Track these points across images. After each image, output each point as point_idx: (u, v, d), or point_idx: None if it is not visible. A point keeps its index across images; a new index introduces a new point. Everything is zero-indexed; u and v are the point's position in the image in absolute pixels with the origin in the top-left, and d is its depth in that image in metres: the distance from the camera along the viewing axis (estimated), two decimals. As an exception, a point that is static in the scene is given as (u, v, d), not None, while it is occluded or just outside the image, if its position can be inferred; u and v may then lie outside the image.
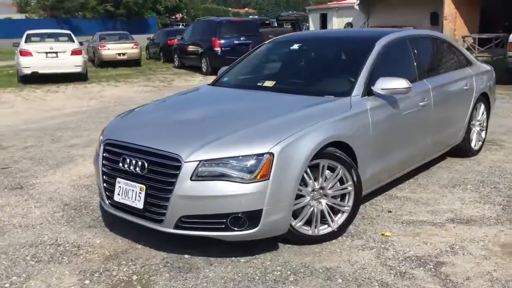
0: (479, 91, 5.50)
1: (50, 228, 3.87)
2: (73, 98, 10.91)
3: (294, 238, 3.49)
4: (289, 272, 3.17)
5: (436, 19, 24.73)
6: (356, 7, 26.99)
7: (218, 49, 15.06)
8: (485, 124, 5.87)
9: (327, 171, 3.52)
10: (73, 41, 14.62)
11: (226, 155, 3.13)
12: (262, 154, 3.13)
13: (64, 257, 3.39)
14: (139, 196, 3.28)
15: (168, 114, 3.96)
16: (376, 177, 4.05)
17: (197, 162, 3.11)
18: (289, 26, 26.18)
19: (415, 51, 4.70)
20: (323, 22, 30.94)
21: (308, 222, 3.51)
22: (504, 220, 3.92)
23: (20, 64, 13.40)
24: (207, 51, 15.58)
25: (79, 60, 13.78)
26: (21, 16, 70.31)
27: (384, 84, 3.93)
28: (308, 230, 3.51)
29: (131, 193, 3.33)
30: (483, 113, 5.78)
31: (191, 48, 16.93)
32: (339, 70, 4.36)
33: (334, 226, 3.58)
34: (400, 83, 3.92)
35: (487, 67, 6.07)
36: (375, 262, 3.30)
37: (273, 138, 3.21)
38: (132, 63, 19.52)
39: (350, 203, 3.63)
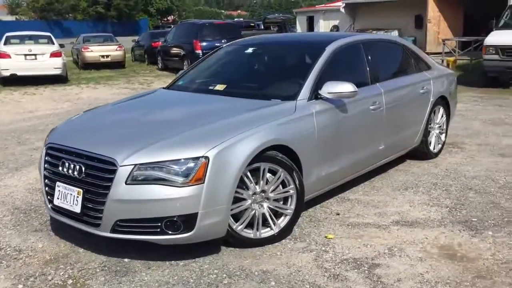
0: (436, 94, 5.56)
1: (-5, 232, 3.88)
2: (49, 101, 10.89)
3: (235, 241, 3.52)
4: (224, 275, 3.20)
5: (420, 22, 24.93)
6: (342, 10, 27.11)
7: (199, 51, 15.07)
8: (444, 127, 5.93)
9: (269, 175, 3.55)
10: (53, 44, 14.59)
11: (162, 159, 3.16)
12: (197, 158, 3.16)
13: (3, 261, 3.40)
14: (77, 200, 3.29)
15: (114, 118, 3.98)
16: (324, 180, 4.09)
17: (132, 166, 3.13)
18: (275, 29, 26.24)
19: (369, 55, 4.75)
20: (310, 25, 31.03)
21: (251, 225, 3.55)
22: (447, 223, 3.97)
23: (-2, 66, 13.35)
24: (188, 53, 15.60)
25: (58, 62, 13.74)
26: (12, 18, 69.91)
27: (331, 88, 3.97)
28: (250, 233, 3.54)
29: (69, 197, 3.34)
30: (442, 116, 5.84)
31: (174, 50, 16.94)
32: (289, 74, 4.39)
33: (276, 229, 3.61)
34: (346, 87, 3.96)
35: (447, 71, 6.15)
36: (312, 264, 3.33)
37: (209, 142, 3.24)
38: (116, 65, 19.47)
39: (293, 206, 3.67)
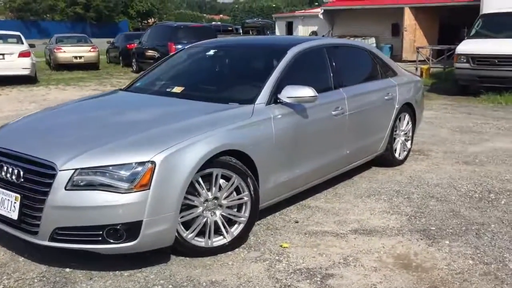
0: (402, 101, 5.50)
1: None
2: (14, 101, 10.57)
3: (185, 250, 3.37)
4: (170, 286, 3.05)
5: (397, 30, 25.18)
6: (321, 16, 27.24)
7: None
8: (410, 134, 5.88)
9: (223, 181, 3.42)
10: (22, 43, 14.24)
11: (105, 163, 3.00)
12: (143, 163, 3.00)
13: None
14: (14, 206, 3.11)
15: (61, 120, 3.80)
16: (282, 186, 3.97)
17: (73, 171, 2.96)
18: (254, 34, 26.22)
19: (332, 60, 4.66)
20: (289, 30, 31.09)
21: (203, 233, 3.40)
22: (405, 231, 3.89)
23: (-36, 65, 12.97)
24: (163, 55, 15.37)
25: (27, 62, 13.41)
26: (-13, 17, 68.53)
27: (290, 92, 3.86)
28: (201, 242, 3.39)
29: (6, 203, 3.16)
30: (408, 123, 5.79)
31: (148, 52, 16.71)
32: (249, 77, 4.28)
33: (229, 237, 3.48)
34: (305, 92, 3.86)
35: (414, 78, 6.11)
36: (263, 274, 3.21)
37: (157, 146, 3.09)
38: (89, 66, 19.17)
39: (247, 214, 3.54)
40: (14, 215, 3.11)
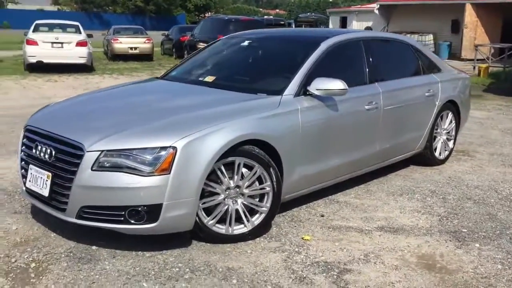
0: (444, 98, 5.31)
1: (-25, 212, 3.90)
2: (68, 88, 11.04)
3: (206, 236, 3.42)
4: (187, 270, 3.11)
5: (457, 27, 24.24)
6: (376, 11, 26.63)
7: (224, 46, 15.03)
8: (453, 133, 5.67)
9: (246, 170, 3.44)
10: (80, 33, 14.82)
11: (129, 146, 3.09)
12: (165, 148, 3.07)
13: (-27, 241, 3.41)
14: (46, 184, 3.27)
15: (95, 104, 3.93)
16: (308, 179, 3.95)
17: (99, 152, 3.08)
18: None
19: (369, 53, 4.57)
20: (343, 25, 30.61)
21: (224, 221, 3.44)
22: (434, 232, 3.77)
23: (26, 53, 13.65)
24: (214, 48, 15.57)
25: (83, 51, 13.95)
26: (54, 8, 71.74)
27: (319, 85, 3.83)
28: (222, 229, 3.44)
29: (39, 180, 3.32)
30: (451, 122, 5.58)
31: (199, 45, 16.92)
32: (280, 69, 4.25)
33: (250, 226, 3.50)
34: (335, 84, 3.81)
35: (461, 75, 5.87)
36: (280, 265, 3.21)
37: (179, 132, 3.15)
38: (144, 57, 19.68)
39: (268, 204, 3.54)
40: (46, 192, 3.27)
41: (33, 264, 3.12)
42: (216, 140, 3.21)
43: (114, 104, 3.87)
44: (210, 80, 4.25)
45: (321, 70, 4.04)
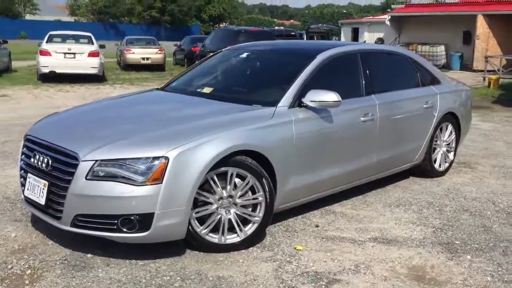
0: (444, 110, 5.33)
1: (-23, 219, 4.01)
2: (79, 98, 11.23)
3: (198, 245, 3.48)
4: (178, 278, 3.17)
5: (468, 38, 24.16)
6: (387, 22, 26.69)
7: (233, 57, 15.18)
8: (453, 145, 5.67)
9: (238, 180, 3.50)
10: (93, 44, 15.09)
11: (122, 156, 3.18)
12: (157, 158, 3.15)
13: (-28, 248, 3.50)
14: (42, 192, 3.36)
15: (93, 115, 4.04)
16: (303, 190, 3.99)
17: (93, 162, 3.16)
18: (319, 39, 26.07)
19: (366, 65, 4.62)
20: (355, 36, 30.70)
21: (217, 230, 3.50)
22: (427, 243, 3.79)
23: (39, 63, 13.95)
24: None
25: (95, 62, 14.20)
26: (71, 19, 72.97)
27: (313, 97, 3.89)
28: (214, 238, 3.49)
29: (36, 189, 3.42)
30: (451, 133, 5.59)
31: (210, 55, 17.13)
32: (276, 80, 4.32)
33: (243, 236, 3.55)
34: (329, 96, 3.87)
35: (461, 87, 5.90)
36: (270, 274, 3.25)
37: (172, 143, 3.23)
38: (156, 67, 19.95)
39: (261, 214, 3.59)
40: (42, 200, 3.36)
41: (29, 271, 3.20)
42: (208, 151, 3.28)
43: (111, 115, 3.97)
44: (208, 92, 4.33)
45: (316, 82, 4.10)
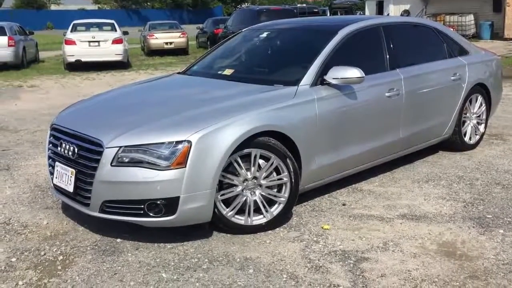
0: (473, 82, 5.17)
1: (10, 208, 4.11)
2: (105, 86, 11.35)
3: (225, 227, 3.50)
4: (206, 260, 3.19)
5: (499, 5, 23.29)
6: (413, -7, 25.92)
7: (256, 37, 15.06)
8: (484, 117, 5.50)
9: (262, 161, 3.48)
10: (116, 31, 15.19)
11: (146, 141, 3.19)
12: (180, 142, 3.16)
13: (7, 236, 3.60)
14: (70, 180, 3.42)
15: (117, 101, 4.07)
16: (328, 168, 3.95)
17: (118, 148, 3.19)
18: (342, 14, 25.60)
19: (389, 39, 4.51)
20: (380, 10, 29.98)
21: (244, 212, 3.51)
22: (458, 218, 3.71)
23: (65, 53, 14.17)
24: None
25: (119, 48, 14.32)
26: (95, 7, 73.65)
27: (336, 73, 3.82)
28: (241, 220, 3.50)
29: (64, 177, 3.48)
30: (481, 105, 5.42)
31: (231, 36, 17.04)
32: (297, 59, 4.25)
33: (269, 216, 3.55)
34: (351, 73, 3.79)
35: (490, 57, 5.69)
36: (297, 254, 3.24)
37: (193, 126, 3.22)
38: (179, 51, 19.98)
39: (286, 194, 3.58)
40: (70, 188, 3.42)
41: (61, 257, 3.28)
42: (230, 133, 3.27)
43: (133, 101, 3.99)
44: (229, 74, 4.30)
45: (339, 58, 4.02)
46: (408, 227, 3.60)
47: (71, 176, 3.42)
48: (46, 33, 39.88)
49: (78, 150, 3.39)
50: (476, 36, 22.91)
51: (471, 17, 23.69)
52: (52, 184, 3.72)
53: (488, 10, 23.87)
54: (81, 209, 3.43)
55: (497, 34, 22.65)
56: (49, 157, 3.73)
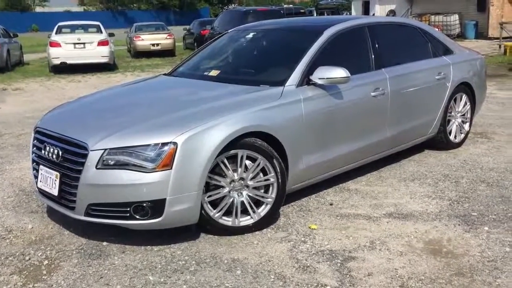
0: (457, 81, 5.21)
1: (-6, 212, 4.06)
2: (91, 88, 11.25)
3: (212, 228, 3.48)
4: (193, 262, 3.18)
5: (483, 5, 23.54)
6: (399, -7, 26.11)
7: (242, 38, 15.04)
8: (469, 115, 5.55)
9: (249, 162, 3.48)
10: (101, 32, 15.09)
11: (131, 144, 3.17)
12: (166, 144, 3.14)
13: (-9, 240, 3.55)
14: (55, 183, 3.38)
15: (102, 103, 4.04)
16: (315, 168, 3.96)
17: (103, 151, 3.17)
18: (329, 15, 25.67)
19: (375, 39, 4.53)
20: (366, 10, 30.16)
21: (231, 213, 3.50)
22: (443, 216, 3.74)
23: (50, 55, 14.04)
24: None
25: (105, 50, 14.22)
26: (80, 9, 73.09)
27: (321, 74, 3.83)
28: (228, 221, 3.49)
29: (49, 180, 3.44)
30: (465, 104, 5.47)
31: (216, 38, 17.00)
32: (283, 59, 4.26)
33: (256, 217, 3.54)
34: (337, 72, 3.80)
35: (474, 56, 5.74)
36: (285, 255, 3.24)
37: (179, 128, 3.21)
38: (166, 53, 19.90)
39: (274, 195, 3.57)
40: (55, 191, 3.39)
41: (46, 262, 3.24)
42: (216, 134, 3.25)
43: (118, 103, 3.97)
44: (215, 74, 4.29)
45: (324, 58, 4.03)
46: (394, 226, 3.62)
47: (55, 180, 3.38)
48: (31, 35, 39.47)
49: (62, 153, 3.35)
50: (461, 36, 23.15)
51: (456, 17, 23.95)
52: (36, 188, 3.68)
53: (472, 10, 24.12)
54: (66, 213, 3.39)
55: (481, 34, 22.91)
56: (33, 161, 3.68)
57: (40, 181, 3.54)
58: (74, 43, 14.01)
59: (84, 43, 14.09)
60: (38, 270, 3.14)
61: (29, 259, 3.28)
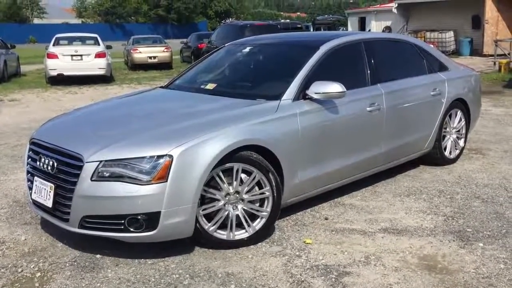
0: (452, 97, 5.25)
1: (-13, 224, 4.03)
2: (87, 100, 11.26)
3: (207, 242, 3.47)
4: (187, 276, 3.16)
5: (477, 23, 23.81)
6: (394, 10, 26.39)
7: (240, 52, 15.12)
8: (463, 131, 5.59)
9: (244, 175, 3.48)
10: (99, 44, 15.13)
11: (126, 156, 3.17)
12: (161, 156, 3.14)
13: (-17, 252, 3.52)
14: (49, 195, 3.37)
15: (98, 115, 4.05)
16: (310, 183, 3.96)
17: (98, 162, 3.16)
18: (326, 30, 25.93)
19: (371, 55, 4.56)
20: (362, 26, 30.43)
21: (226, 227, 3.48)
22: (438, 232, 3.74)
23: (47, 67, 14.04)
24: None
25: (102, 62, 14.24)
26: (78, 21, 73.40)
27: (317, 88, 3.85)
28: (223, 235, 3.47)
29: (43, 192, 3.43)
30: (460, 120, 5.51)
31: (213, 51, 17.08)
32: (279, 74, 4.29)
33: (251, 231, 3.53)
34: (333, 87, 3.82)
35: (469, 72, 5.79)
36: (279, 269, 3.23)
37: (175, 141, 3.21)
38: (163, 66, 19.95)
39: (269, 209, 3.57)
40: (49, 203, 3.37)
41: (38, 274, 3.21)
42: (212, 147, 3.26)
43: (114, 115, 3.97)
44: (211, 88, 4.31)
45: (321, 73, 4.06)
46: (389, 241, 3.62)
47: (50, 191, 3.37)
48: (28, 47, 39.55)
49: (57, 164, 3.34)
50: (456, 52, 23.35)
51: (451, 34, 24.17)
52: (30, 199, 3.66)
53: (467, 27, 24.37)
54: (60, 225, 3.37)
55: (476, 51, 23.12)
56: (28, 172, 3.67)
57: (35, 193, 3.52)
58: (72, 55, 14.03)
59: (81, 55, 14.12)
60: (30, 283, 3.11)
61: (22, 271, 3.25)
